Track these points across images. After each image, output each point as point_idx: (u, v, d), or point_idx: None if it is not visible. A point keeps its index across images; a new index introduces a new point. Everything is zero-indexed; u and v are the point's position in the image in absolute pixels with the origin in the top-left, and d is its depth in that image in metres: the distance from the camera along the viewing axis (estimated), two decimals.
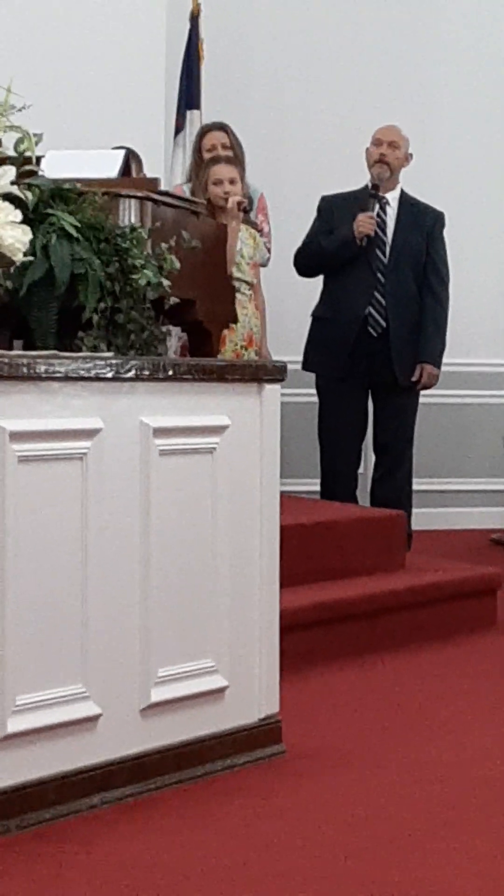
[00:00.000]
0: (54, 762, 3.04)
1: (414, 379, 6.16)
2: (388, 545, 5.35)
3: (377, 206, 6.12)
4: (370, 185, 6.15)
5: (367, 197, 6.12)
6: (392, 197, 6.20)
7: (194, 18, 7.27)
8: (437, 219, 6.26)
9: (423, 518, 6.90)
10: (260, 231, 6.14)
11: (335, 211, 6.19)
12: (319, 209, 6.27)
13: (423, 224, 6.21)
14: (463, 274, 6.87)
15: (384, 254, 6.11)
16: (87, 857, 2.84)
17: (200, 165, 6.08)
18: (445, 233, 6.26)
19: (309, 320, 6.28)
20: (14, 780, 2.96)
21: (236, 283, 5.55)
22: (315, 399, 6.28)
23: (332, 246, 6.08)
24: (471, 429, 7.91)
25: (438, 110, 7.75)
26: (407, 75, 7.70)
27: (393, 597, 4.97)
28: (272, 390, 3.53)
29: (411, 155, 6.21)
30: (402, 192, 6.24)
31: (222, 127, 6.25)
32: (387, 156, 6.15)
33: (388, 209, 6.16)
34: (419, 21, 7.75)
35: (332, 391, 6.17)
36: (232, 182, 5.76)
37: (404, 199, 6.23)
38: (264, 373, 3.52)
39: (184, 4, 7.25)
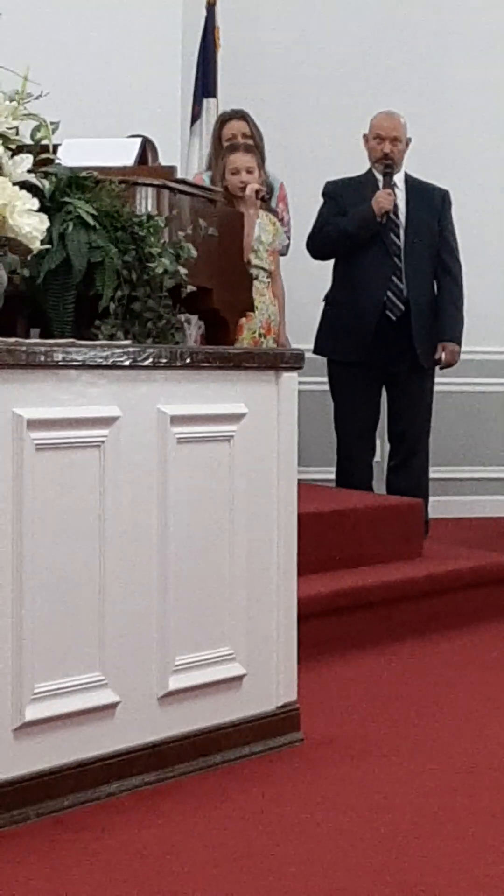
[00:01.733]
0: (72, 750, 3.05)
1: (436, 357, 6.16)
2: (405, 533, 5.35)
3: (394, 187, 6.12)
4: (383, 164, 6.13)
5: (383, 176, 6.12)
6: (398, 179, 6.20)
7: (210, 7, 7.25)
8: (444, 197, 6.27)
9: (439, 506, 6.89)
10: (280, 220, 6.14)
11: (344, 194, 6.19)
12: (327, 193, 6.26)
13: (432, 204, 6.22)
14: (478, 260, 6.86)
15: (398, 236, 6.11)
16: (106, 845, 2.84)
17: (220, 153, 6.07)
18: (454, 217, 6.28)
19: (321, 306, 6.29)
20: (32, 767, 2.97)
21: (254, 271, 5.55)
22: None
23: (351, 226, 6.07)
24: (487, 417, 7.89)
25: (452, 95, 7.72)
26: (423, 61, 7.68)
27: (410, 585, 4.96)
28: (289, 378, 3.53)
29: (410, 139, 6.22)
30: (407, 174, 6.24)
31: (242, 116, 6.25)
32: (391, 153, 6.14)
33: (397, 192, 6.16)
34: (435, 6, 7.72)
35: (346, 378, 6.16)
36: (249, 171, 5.76)
37: (410, 181, 6.24)
38: (281, 361, 3.52)
39: None
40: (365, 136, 6.22)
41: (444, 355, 6.17)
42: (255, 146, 6.01)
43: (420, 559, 5.31)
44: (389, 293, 6.05)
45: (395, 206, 6.10)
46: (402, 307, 6.06)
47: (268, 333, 5.84)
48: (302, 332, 6.25)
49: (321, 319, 6.26)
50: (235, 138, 6.11)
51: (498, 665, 4.53)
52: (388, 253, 6.08)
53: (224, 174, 5.79)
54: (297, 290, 6.51)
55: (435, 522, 6.31)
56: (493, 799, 3.17)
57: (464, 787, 3.26)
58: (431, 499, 6.33)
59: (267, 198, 5.90)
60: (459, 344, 6.20)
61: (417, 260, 6.10)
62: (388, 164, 6.13)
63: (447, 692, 4.17)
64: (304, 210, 6.34)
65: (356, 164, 6.26)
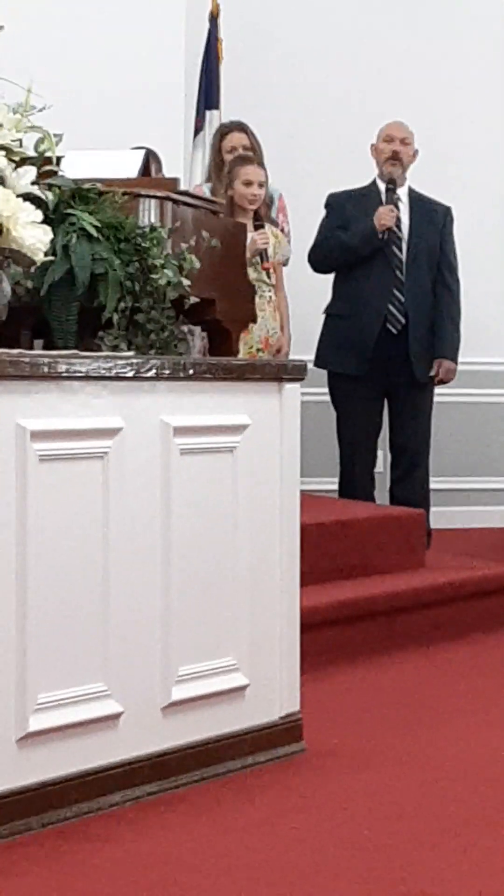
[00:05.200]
0: (76, 760, 3.06)
1: (432, 374, 6.17)
2: (407, 543, 5.35)
3: (397, 201, 6.14)
4: (386, 180, 6.16)
5: (385, 191, 6.15)
6: (401, 193, 6.22)
7: (214, 19, 7.28)
8: (447, 213, 6.29)
9: (441, 517, 6.89)
10: (280, 230, 6.16)
11: (347, 207, 6.20)
12: (329, 206, 6.28)
13: (435, 219, 6.24)
14: (477, 271, 6.87)
15: (401, 250, 6.12)
16: (109, 855, 2.85)
17: (221, 165, 6.09)
18: (454, 229, 6.30)
19: (322, 318, 6.30)
20: (36, 777, 2.97)
21: (255, 284, 5.56)
22: None
23: (353, 241, 6.08)
24: (489, 427, 7.90)
25: (456, 109, 7.74)
26: (426, 75, 7.69)
27: (413, 595, 4.97)
28: (292, 389, 3.54)
29: (417, 151, 6.24)
30: (411, 188, 6.26)
31: (242, 128, 6.26)
32: (400, 152, 6.17)
33: (401, 206, 6.18)
34: (440, 21, 7.74)
35: (347, 391, 6.16)
36: (260, 185, 5.79)
37: (413, 195, 6.26)
38: (284, 372, 3.53)
39: (203, 5, 7.26)
40: (373, 145, 6.25)
41: (439, 371, 6.18)
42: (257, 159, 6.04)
43: (422, 569, 5.32)
44: (391, 306, 6.06)
45: (398, 219, 6.11)
46: (403, 320, 6.07)
47: (265, 348, 5.86)
48: (304, 343, 6.26)
49: (322, 332, 6.27)
50: (236, 150, 6.13)
51: (500, 674, 4.53)
52: (389, 265, 6.09)
53: (233, 184, 5.80)
54: (298, 302, 6.53)
55: (436, 533, 6.32)
56: (496, 808, 3.17)
57: (467, 796, 3.26)
58: (433, 509, 6.34)
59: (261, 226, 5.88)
60: (455, 361, 6.22)
61: (418, 274, 6.12)
62: (391, 180, 6.15)
63: (450, 702, 4.18)
64: (307, 222, 6.35)
65: (358, 175, 6.27)
